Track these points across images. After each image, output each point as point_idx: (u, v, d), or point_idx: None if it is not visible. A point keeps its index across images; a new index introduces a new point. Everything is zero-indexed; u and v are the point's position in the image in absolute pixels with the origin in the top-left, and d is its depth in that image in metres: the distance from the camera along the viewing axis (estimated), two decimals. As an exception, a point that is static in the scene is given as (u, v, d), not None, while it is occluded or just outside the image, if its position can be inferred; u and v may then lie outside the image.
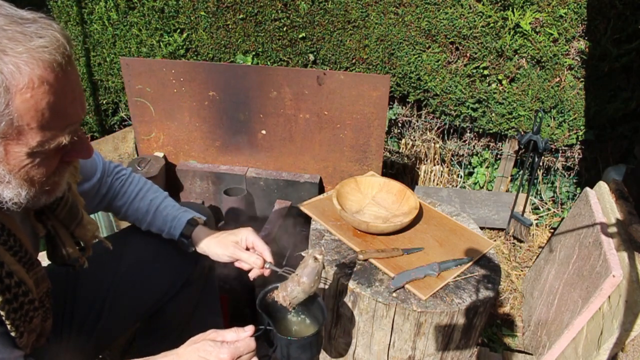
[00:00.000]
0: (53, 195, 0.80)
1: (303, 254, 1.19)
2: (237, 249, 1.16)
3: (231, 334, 0.92)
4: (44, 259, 0.93)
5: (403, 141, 3.17)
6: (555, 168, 2.99)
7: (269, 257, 1.16)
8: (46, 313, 0.90)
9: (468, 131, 3.06)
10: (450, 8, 2.62)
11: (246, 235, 1.18)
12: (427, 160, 3.16)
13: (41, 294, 0.86)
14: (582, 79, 2.62)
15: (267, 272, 1.16)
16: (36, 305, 0.84)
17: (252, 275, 1.17)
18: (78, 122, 0.73)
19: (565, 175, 3.02)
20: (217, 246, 1.19)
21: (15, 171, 0.70)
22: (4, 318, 0.76)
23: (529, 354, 2.01)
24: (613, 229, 1.85)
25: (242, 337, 0.91)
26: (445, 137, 3.11)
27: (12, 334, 0.78)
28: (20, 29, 0.63)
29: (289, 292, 1.08)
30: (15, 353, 0.78)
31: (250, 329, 0.94)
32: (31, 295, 0.82)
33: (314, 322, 1.14)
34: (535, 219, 2.89)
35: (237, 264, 1.18)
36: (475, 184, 3.15)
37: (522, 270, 2.59)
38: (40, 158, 0.71)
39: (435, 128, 3.09)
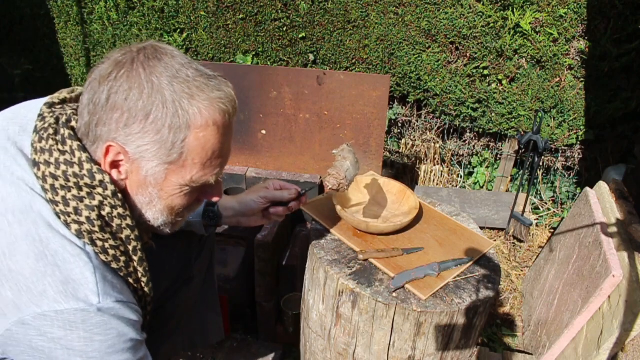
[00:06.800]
0: (176, 228, 0.88)
1: (334, 152, 1.28)
2: (269, 189, 1.17)
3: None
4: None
5: (403, 141, 3.17)
6: (555, 168, 2.99)
7: (299, 188, 1.18)
8: None
9: (468, 131, 3.06)
10: (450, 8, 2.62)
11: (272, 181, 1.21)
12: (427, 160, 3.16)
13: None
14: (582, 79, 2.62)
15: (305, 200, 1.19)
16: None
17: (293, 207, 1.18)
18: (224, 166, 0.84)
19: (565, 175, 3.02)
20: (247, 196, 1.19)
21: (165, 197, 0.80)
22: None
23: (529, 354, 2.01)
24: (613, 229, 1.85)
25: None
26: (445, 137, 3.11)
27: None
28: (205, 81, 0.75)
29: (340, 169, 1.17)
30: None
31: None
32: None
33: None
34: (535, 219, 2.89)
35: (272, 211, 1.17)
36: (475, 184, 3.15)
37: (522, 270, 2.59)
38: (187, 191, 0.80)
39: (435, 128, 3.09)
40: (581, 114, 2.69)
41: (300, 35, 2.83)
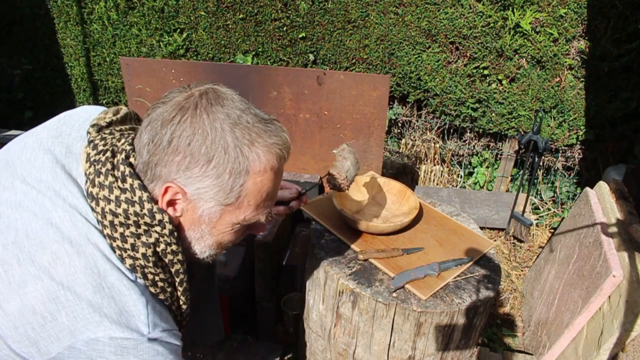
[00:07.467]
0: (216, 257, 0.92)
1: (334, 151, 1.30)
2: None
3: None
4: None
5: (403, 141, 3.17)
6: (556, 168, 2.99)
7: (300, 187, 1.20)
8: None
9: (468, 131, 3.06)
10: (450, 8, 2.62)
11: None
12: (427, 160, 3.16)
13: None
14: (582, 79, 2.62)
15: (305, 199, 1.20)
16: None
17: (294, 206, 1.19)
18: (273, 205, 0.88)
19: (565, 175, 3.02)
20: None
21: (216, 234, 0.83)
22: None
23: (529, 354, 2.01)
24: (613, 229, 1.85)
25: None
26: (445, 137, 3.11)
27: None
28: (264, 127, 0.80)
29: (341, 168, 1.20)
30: None
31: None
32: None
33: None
34: (535, 219, 2.89)
35: (273, 210, 1.18)
36: (475, 184, 3.15)
37: (522, 270, 2.59)
38: (237, 228, 0.84)
39: (435, 128, 3.09)
40: (581, 114, 2.69)
41: (300, 35, 2.83)
